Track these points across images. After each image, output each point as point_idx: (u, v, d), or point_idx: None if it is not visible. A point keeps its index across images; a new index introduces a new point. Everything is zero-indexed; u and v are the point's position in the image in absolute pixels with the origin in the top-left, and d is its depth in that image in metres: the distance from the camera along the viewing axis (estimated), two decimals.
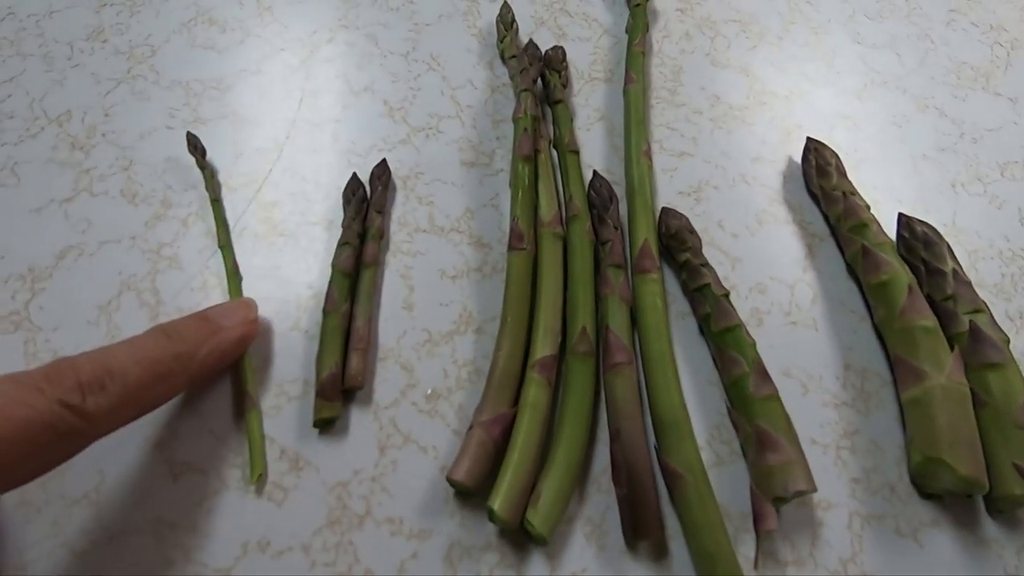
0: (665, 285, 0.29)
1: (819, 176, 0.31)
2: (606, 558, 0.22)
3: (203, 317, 0.23)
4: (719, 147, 0.34)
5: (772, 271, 0.30)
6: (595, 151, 0.33)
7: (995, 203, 0.33)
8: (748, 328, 0.28)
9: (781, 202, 0.32)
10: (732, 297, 0.29)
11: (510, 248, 0.27)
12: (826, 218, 0.31)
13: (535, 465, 0.23)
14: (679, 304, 0.28)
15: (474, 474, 0.22)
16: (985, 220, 0.32)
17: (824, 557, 0.23)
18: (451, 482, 0.22)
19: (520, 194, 0.28)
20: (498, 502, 0.21)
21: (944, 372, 0.24)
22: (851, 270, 0.30)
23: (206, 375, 0.23)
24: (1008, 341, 0.26)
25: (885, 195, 0.33)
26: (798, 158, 0.33)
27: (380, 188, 0.29)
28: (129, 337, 0.21)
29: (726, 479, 0.24)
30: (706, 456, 0.25)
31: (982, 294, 0.30)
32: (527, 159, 0.29)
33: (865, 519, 0.24)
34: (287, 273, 0.28)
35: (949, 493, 0.24)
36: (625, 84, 0.34)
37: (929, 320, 0.26)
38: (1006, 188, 0.33)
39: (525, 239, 0.27)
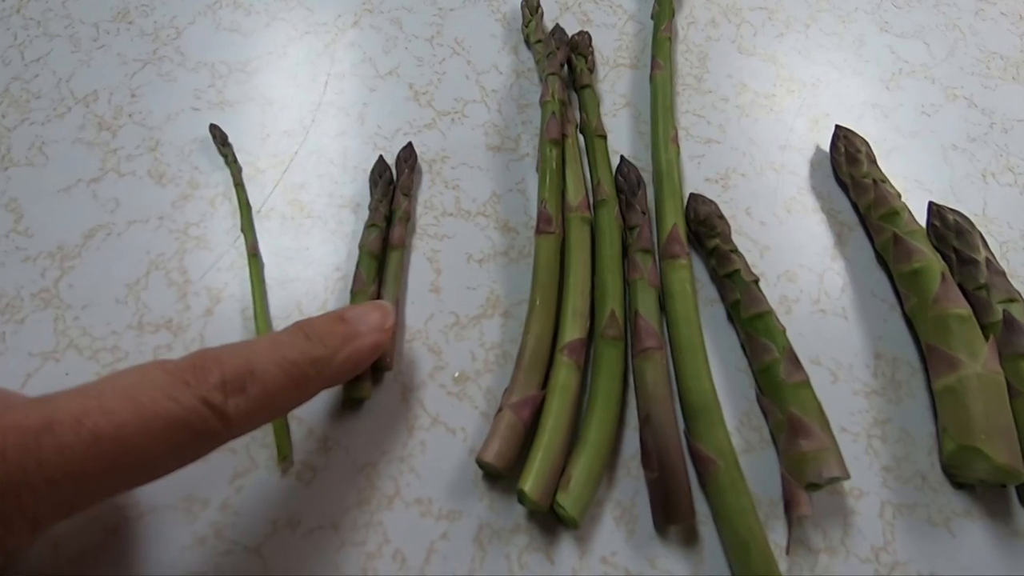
0: (694, 271, 0.28)
1: (848, 164, 0.31)
2: (636, 542, 0.22)
3: (341, 319, 0.22)
4: (746, 135, 0.33)
5: (801, 259, 0.29)
6: (621, 137, 0.33)
7: None
8: (778, 315, 0.28)
9: (809, 190, 0.32)
10: (760, 284, 0.28)
11: (538, 232, 0.27)
12: (855, 207, 0.31)
13: (565, 448, 0.22)
14: (707, 291, 0.28)
15: (504, 456, 0.22)
16: (1016, 210, 0.32)
17: (856, 545, 0.23)
18: (481, 464, 0.22)
19: (548, 178, 0.28)
20: (529, 484, 0.21)
21: (980, 360, 0.24)
22: (880, 259, 0.30)
23: (338, 381, 0.22)
24: None
25: (914, 185, 0.32)
26: (826, 146, 0.33)
27: (407, 171, 0.29)
28: (269, 334, 0.20)
29: (756, 466, 0.24)
30: (735, 443, 0.25)
31: (1016, 285, 0.29)
32: (555, 143, 0.28)
33: (897, 508, 0.24)
34: (315, 254, 0.27)
35: (982, 483, 0.24)
36: (652, 70, 0.33)
37: (963, 308, 0.25)
38: None
39: (553, 223, 0.27)
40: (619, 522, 0.23)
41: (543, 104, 0.30)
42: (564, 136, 0.30)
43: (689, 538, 0.22)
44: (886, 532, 0.23)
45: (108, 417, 0.16)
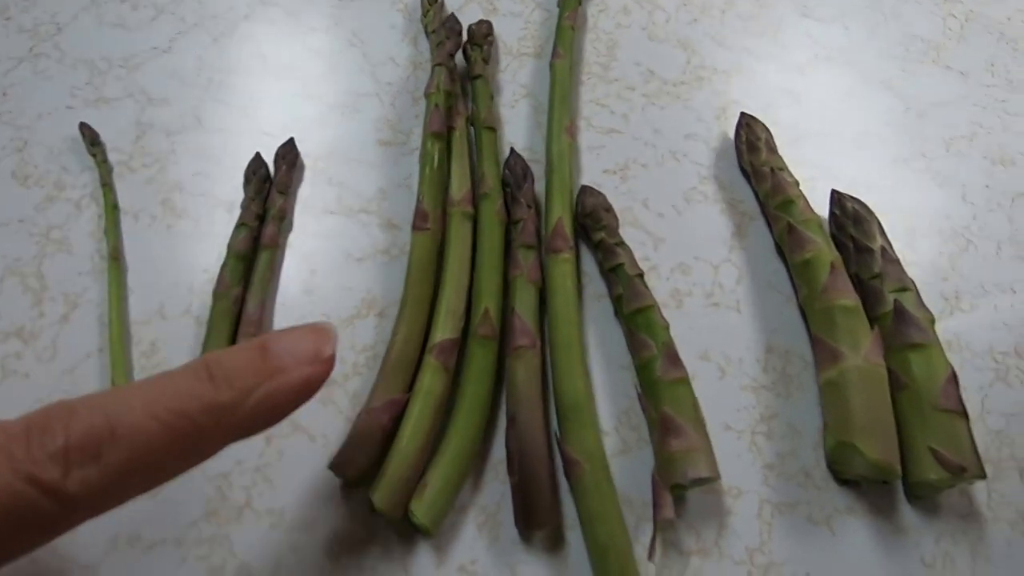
0: (581, 266, 0.28)
1: (749, 152, 0.30)
2: (498, 549, 0.22)
3: (263, 349, 0.17)
4: (651, 124, 0.32)
5: (697, 251, 0.29)
6: (519, 129, 0.32)
7: (938, 180, 0.32)
8: (667, 310, 0.27)
9: (712, 180, 0.31)
10: (652, 278, 0.28)
11: (414, 228, 0.26)
12: (757, 196, 0.30)
13: (424, 454, 0.22)
14: (597, 286, 0.27)
15: (356, 464, 0.21)
16: (926, 197, 0.31)
17: (730, 546, 0.22)
18: (334, 472, 0.21)
19: (428, 172, 0.27)
20: (379, 492, 0.20)
21: (861, 353, 0.23)
22: (780, 249, 0.29)
23: (250, 432, 0.16)
24: (933, 321, 0.25)
25: (822, 172, 0.31)
26: (732, 135, 0.32)
27: (284, 168, 0.28)
28: (161, 373, 0.16)
29: (633, 467, 0.23)
30: (613, 443, 0.24)
31: (918, 273, 0.29)
32: (437, 136, 0.27)
33: (776, 507, 0.23)
34: (183, 257, 0.27)
35: (864, 479, 0.23)
36: (552, 59, 0.32)
37: (849, 299, 0.25)
38: (950, 164, 0.32)
39: (430, 219, 0.26)
40: (482, 529, 0.22)
41: (427, 96, 0.29)
42: (451, 129, 0.29)
43: (555, 544, 0.22)
44: (763, 532, 0.22)
45: None
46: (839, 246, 0.28)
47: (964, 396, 0.26)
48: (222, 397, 0.15)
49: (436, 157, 0.27)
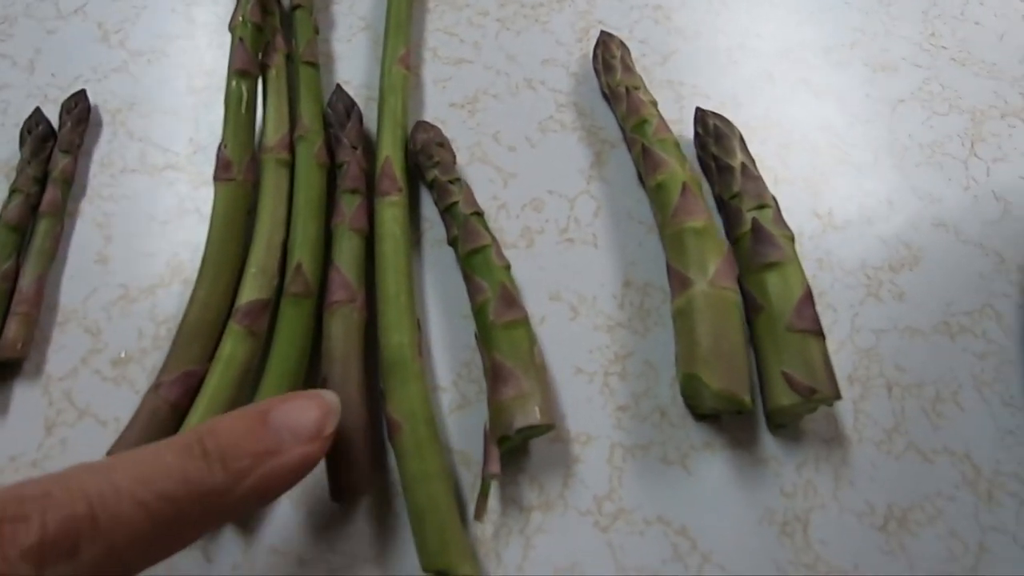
0: (420, 210, 0.26)
1: (605, 72, 0.28)
2: (315, 524, 0.20)
3: (261, 421, 0.16)
4: (505, 51, 0.30)
5: (551, 184, 0.27)
6: (356, 65, 0.29)
7: (815, 92, 0.30)
8: (516, 251, 0.25)
9: (570, 107, 0.29)
10: (501, 217, 0.26)
11: (215, 179, 0.23)
12: (618, 121, 0.29)
13: None
14: (439, 231, 0.25)
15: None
16: (802, 110, 0.30)
17: (576, 497, 0.21)
18: None
19: (231, 116, 0.24)
20: None
21: (707, 277, 0.22)
22: (642, 177, 0.27)
23: (239, 517, 0.16)
24: (792, 238, 0.23)
25: (693, 91, 0.30)
26: None
27: (71, 124, 0.25)
28: (149, 445, 0.15)
29: (472, 422, 0.22)
30: (451, 398, 0.22)
31: (790, 191, 0.27)
32: (243, 75, 0.25)
33: (628, 450, 0.22)
34: None
35: (717, 412, 0.22)
36: None
37: (699, 221, 0.23)
38: (829, 76, 0.31)
39: (235, 168, 0.23)
40: (298, 504, 0.20)
41: (231, 30, 0.26)
42: (266, 67, 0.26)
43: (380, 513, 0.20)
44: (613, 479, 0.21)
45: None
46: (704, 167, 0.27)
47: (834, 316, 0.25)
48: (214, 480, 0.14)
49: (243, 99, 0.24)
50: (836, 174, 0.28)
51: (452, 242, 0.24)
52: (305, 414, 0.16)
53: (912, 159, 0.29)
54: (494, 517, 0.20)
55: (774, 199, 0.24)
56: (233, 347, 0.21)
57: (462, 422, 0.22)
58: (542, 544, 0.20)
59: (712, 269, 0.22)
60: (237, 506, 0.15)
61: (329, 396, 0.17)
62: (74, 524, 0.12)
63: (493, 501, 0.21)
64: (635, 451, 0.22)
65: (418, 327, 0.22)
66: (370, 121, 0.27)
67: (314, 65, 0.26)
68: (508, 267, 0.23)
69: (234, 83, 0.24)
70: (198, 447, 0.15)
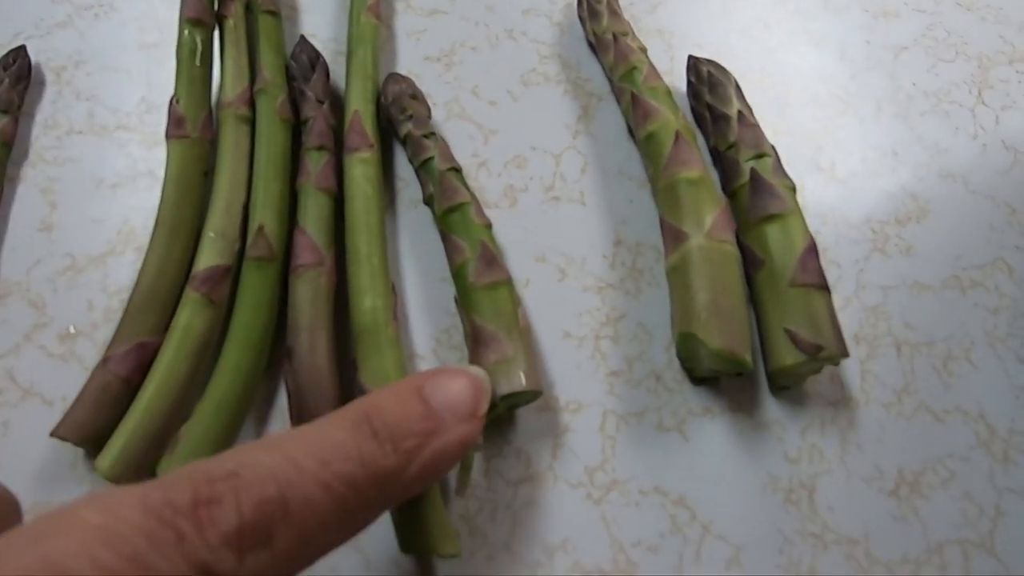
0: (394, 168, 0.24)
1: (591, 19, 0.26)
2: None
3: (420, 399, 0.15)
4: (482, 1, 0.28)
5: (535, 140, 0.25)
6: (323, 17, 0.27)
7: (814, 39, 0.29)
8: (498, 210, 0.24)
9: (554, 59, 0.27)
10: (482, 176, 0.24)
11: (168, 137, 0.21)
12: (605, 71, 0.27)
13: (178, 405, 0.18)
14: (415, 189, 0.24)
15: (88, 427, 0.17)
16: (801, 59, 0.28)
17: (566, 468, 0.20)
18: (60, 438, 0.18)
19: (183, 68, 0.22)
20: (108, 459, 0.17)
21: (703, 230, 0.21)
22: (632, 129, 0.26)
23: (401, 500, 0.15)
24: (794, 188, 0.22)
25: (684, 40, 0.28)
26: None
27: (8, 82, 0.23)
28: (313, 425, 0.14)
29: None
30: (429, 366, 0.21)
31: (790, 143, 0.26)
32: (196, 24, 0.23)
33: (622, 417, 0.20)
34: None
35: (716, 374, 0.21)
36: None
37: (694, 171, 0.22)
38: (828, 23, 0.29)
39: (189, 124, 0.22)
40: None
41: None
42: (223, 17, 0.24)
43: None
44: (605, 448, 0.20)
45: None
46: (698, 119, 0.25)
47: (839, 272, 0.24)
48: (388, 462, 0.14)
49: (197, 50, 0.23)
50: (838, 126, 0.27)
51: (428, 200, 0.22)
52: (461, 392, 0.16)
53: (917, 108, 0.27)
54: (479, 492, 0.19)
55: (773, 148, 0.23)
56: (190, 316, 0.19)
57: None
58: (530, 519, 0.19)
59: (709, 221, 0.20)
60: (407, 488, 0.14)
61: (479, 372, 0.16)
62: (268, 508, 0.12)
63: (477, 475, 0.19)
64: (629, 418, 0.20)
65: (393, 291, 0.21)
66: (339, 77, 0.25)
67: (274, 14, 0.24)
68: (489, 226, 0.21)
69: (186, 32, 0.23)
70: (367, 426, 0.14)
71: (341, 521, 0.13)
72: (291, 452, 0.13)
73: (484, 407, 0.16)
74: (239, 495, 0.11)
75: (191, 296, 0.19)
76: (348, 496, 0.13)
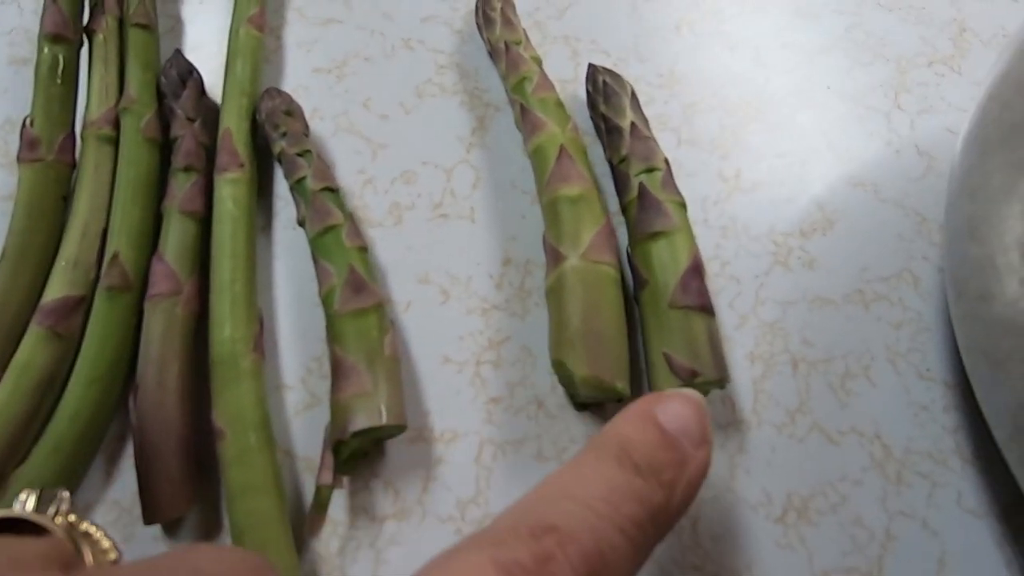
0: (271, 188, 0.23)
1: (486, 27, 0.26)
2: (133, 550, 0.18)
3: (659, 429, 0.15)
4: (379, 8, 0.27)
5: (426, 155, 0.24)
6: (209, 29, 0.26)
7: (728, 43, 0.28)
8: (382, 229, 0.23)
9: (452, 69, 0.26)
10: (367, 193, 0.23)
11: (19, 160, 0.21)
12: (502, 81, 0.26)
13: (15, 445, 0.17)
14: (293, 211, 0.23)
15: None
16: (713, 64, 0.28)
17: (437, 503, 0.19)
18: None
19: (40, 88, 0.21)
20: None
21: (579, 251, 0.20)
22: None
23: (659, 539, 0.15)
24: (683, 204, 0.21)
25: (589, 47, 0.27)
26: None
27: None
28: (580, 463, 0.14)
29: (322, 423, 0.20)
30: (297, 398, 0.20)
31: (694, 153, 0.25)
32: (56, 40, 0.22)
33: (499, 447, 0.20)
34: None
35: (598, 401, 0.20)
36: None
37: (575, 188, 0.21)
38: (744, 24, 0.29)
39: (43, 147, 0.21)
40: (115, 527, 0.18)
41: None
42: (93, 32, 0.23)
43: (206, 533, 0.18)
44: (480, 480, 0.19)
45: None
46: (597, 130, 0.25)
47: (738, 288, 0.23)
48: (657, 498, 0.14)
49: (58, 68, 0.22)
50: (747, 132, 0.26)
51: (301, 222, 0.22)
52: (692, 418, 0.15)
53: (831, 113, 0.27)
54: (341, 530, 0.18)
55: (666, 161, 0.22)
56: (31, 352, 0.18)
57: (311, 423, 0.20)
58: (395, 557, 0.18)
59: (586, 241, 0.20)
60: (673, 521, 0.14)
61: (696, 395, 0.16)
62: (593, 562, 0.12)
63: (340, 513, 0.19)
64: (506, 447, 0.20)
65: (259, 320, 0.20)
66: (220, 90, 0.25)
67: (146, 27, 0.24)
68: (363, 248, 0.21)
69: (46, 49, 0.22)
70: (628, 461, 0.14)
71: (636, 564, 0.13)
72: (584, 498, 0.13)
73: (710, 431, 0.16)
74: (565, 550, 0.12)
75: (34, 330, 0.19)
76: (638, 537, 0.13)
